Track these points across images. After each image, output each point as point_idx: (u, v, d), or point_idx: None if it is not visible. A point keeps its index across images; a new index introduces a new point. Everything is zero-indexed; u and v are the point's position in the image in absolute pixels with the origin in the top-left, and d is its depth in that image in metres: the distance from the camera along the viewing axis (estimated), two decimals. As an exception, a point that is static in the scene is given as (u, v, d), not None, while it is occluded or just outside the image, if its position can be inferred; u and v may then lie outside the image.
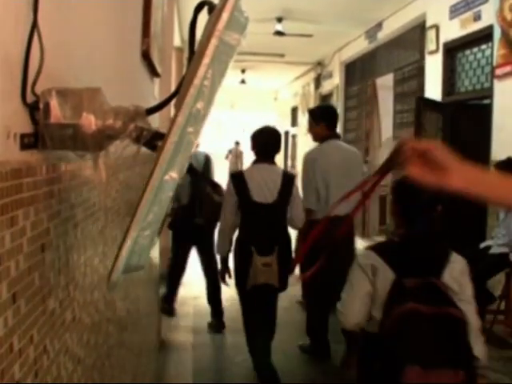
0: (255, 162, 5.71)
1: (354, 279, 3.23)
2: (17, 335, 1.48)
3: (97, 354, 2.52)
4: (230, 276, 5.85)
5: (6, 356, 1.40)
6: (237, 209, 5.53)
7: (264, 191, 5.49)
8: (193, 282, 9.32)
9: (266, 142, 5.69)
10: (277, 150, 5.78)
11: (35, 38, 1.55)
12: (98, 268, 2.54)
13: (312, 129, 6.67)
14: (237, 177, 5.56)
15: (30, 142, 1.58)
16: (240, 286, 5.55)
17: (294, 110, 23.86)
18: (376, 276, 3.13)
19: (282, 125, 26.32)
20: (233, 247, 5.68)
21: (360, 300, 3.16)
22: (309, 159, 6.51)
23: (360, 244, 13.34)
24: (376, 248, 3.30)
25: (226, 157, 28.54)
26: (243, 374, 6.05)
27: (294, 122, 23.92)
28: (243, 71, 19.74)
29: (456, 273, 3.22)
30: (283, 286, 5.56)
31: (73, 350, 2.07)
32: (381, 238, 12.86)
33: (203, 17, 1.79)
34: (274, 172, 5.64)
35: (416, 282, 2.97)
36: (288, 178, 5.63)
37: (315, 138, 6.66)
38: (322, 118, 6.55)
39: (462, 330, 2.92)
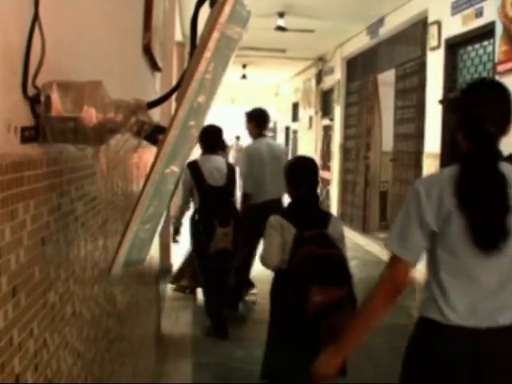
0: (203, 154, 7.10)
1: (269, 235, 4.42)
2: (17, 328, 1.48)
3: (97, 348, 2.52)
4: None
5: (5, 349, 1.40)
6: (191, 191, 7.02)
7: (215, 176, 6.97)
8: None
9: (212, 138, 7.11)
10: (220, 144, 7.68)
11: (36, 30, 1.54)
12: (99, 262, 2.54)
13: (247, 126, 7.99)
14: (192, 165, 6.79)
15: (30, 135, 1.57)
16: (202, 251, 6.96)
17: (295, 106, 23.83)
18: (283, 231, 4.32)
19: (283, 120, 26.32)
20: (191, 220, 7.22)
21: (275, 248, 4.34)
22: (248, 152, 7.90)
23: (359, 240, 13.37)
24: (280, 213, 4.53)
25: (228, 152, 28.57)
26: (243, 368, 6.05)
27: (295, 118, 23.90)
28: (244, 66, 19.71)
29: (336, 227, 4.48)
30: (235, 250, 7.10)
31: (73, 344, 2.07)
32: (383, 235, 12.87)
33: (205, 11, 1.79)
34: (219, 161, 7.16)
35: (311, 232, 4.23)
36: (230, 167, 7.28)
37: (250, 134, 8.02)
38: (252, 118, 7.92)
39: (344, 263, 4.25)
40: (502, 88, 2.77)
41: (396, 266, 2.78)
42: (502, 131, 2.70)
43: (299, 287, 4.06)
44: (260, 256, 4.64)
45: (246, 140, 10.54)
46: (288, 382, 4.34)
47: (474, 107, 2.72)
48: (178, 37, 10.89)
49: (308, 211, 4.47)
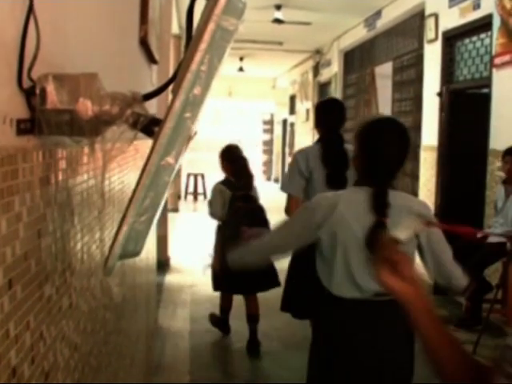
0: None
1: (214, 198, 6.61)
2: (13, 321, 1.48)
3: (94, 341, 2.52)
4: None
5: (2, 342, 1.40)
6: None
7: None
8: (189, 270, 9.34)
9: None
10: None
11: (31, 22, 1.54)
12: (95, 254, 2.54)
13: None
14: None
15: (26, 127, 1.57)
16: None
17: (292, 98, 23.85)
18: (224, 195, 6.50)
19: (280, 113, 26.32)
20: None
21: (220, 205, 6.51)
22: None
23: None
24: (222, 183, 6.65)
25: None
26: (240, 361, 6.07)
27: (292, 110, 23.91)
28: (241, 59, 19.69)
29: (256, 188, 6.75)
30: None
31: (69, 337, 2.07)
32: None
33: (201, 2, 1.79)
34: None
35: (240, 193, 6.42)
36: None
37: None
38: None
39: (263, 213, 6.39)
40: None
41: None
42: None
43: (232, 231, 5.81)
44: (209, 212, 6.78)
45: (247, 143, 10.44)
46: None
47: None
48: (175, 29, 10.88)
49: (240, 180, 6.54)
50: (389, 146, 3.17)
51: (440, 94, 8.96)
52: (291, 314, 5.35)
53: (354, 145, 3.30)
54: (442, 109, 8.93)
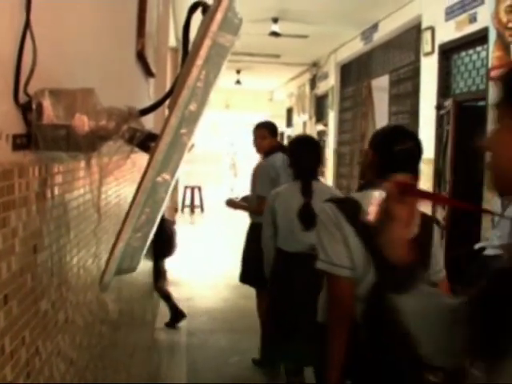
0: None
1: None
2: (8, 337, 1.47)
3: (90, 355, 2.51)
4: None
5: (-3, 358, 1.39)
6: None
7: None
8: (186, 283, 9.33)
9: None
10: None
11: (28, 37, 1.54)
12: (91, 269, 2.54)
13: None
14: None
15: (22, 142, 1.57)
16: None
17: (290, 111, 23.85)
18: None
19: (278, 125, 26.32)
20: None
21: None
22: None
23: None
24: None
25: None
26: (238, 374, 6.05)
27: (290, 123, 23.91)
28: (238, 72, 19.70)
29: None
30: None
31: (65, 352, 2.06)
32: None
33: (198, 17, 1.79)
34: None
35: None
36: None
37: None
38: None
39: None
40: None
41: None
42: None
43: None
44: None
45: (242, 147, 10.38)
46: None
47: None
48: (172, 42, 10.90)
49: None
50: (305, 155, 4.90)
51: (438, 107, 8.96)
52: (249, 285, 6.38)
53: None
54: (438, 121, 8.94)
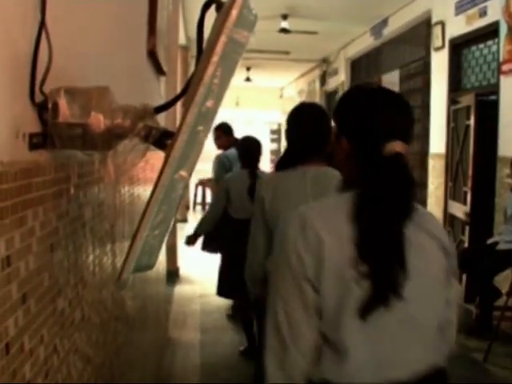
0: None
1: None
2: (27, 335, 1.48)
3: (106, 353, 2.52)
4: None
5: (17, 356, 1.40)
6: None
7: None
8: (199, 280, 9.33)
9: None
10: None
11: (43, 37, 1.54)
12: (107, 267, 2.54)
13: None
14: None
15: (38, 141, 1.57)
16: None
17: (300, 108, 23.84)
18: None
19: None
20: None
21: None
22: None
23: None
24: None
25: None
26: (250, 371, 6.04)
27: (300, 120, 23.90)
28: (248, 69, 19.68)
29: None
30: None
31: (82, 349, 2.07)
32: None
33: (210, 14, 1.79)
34: None
35: None
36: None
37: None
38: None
39: None
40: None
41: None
42: None
43: None
44: None
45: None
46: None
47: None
48: (182, 40, 10.90)
49: None
50: (252, 150, 6.43)
51: (452, 102, 8.92)
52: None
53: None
54: (453, 116, 8.91)
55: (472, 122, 7.98)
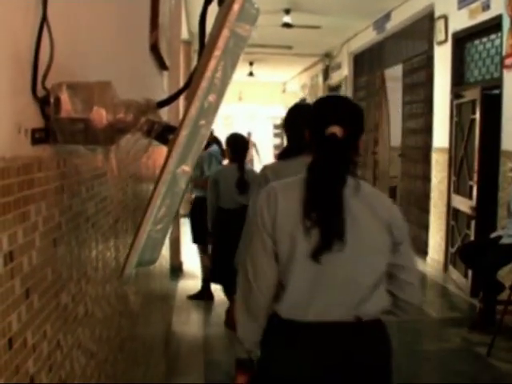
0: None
1: None
2: (30, 330, 1.48)
3: (109, 348, 2.52)
4: None
5: (20, 351, 1.40)
6: None
7: None
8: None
9: None
10: None
11: (45, 32, 1.54)
12: (110, 262, 2.54)
13: None
14: None
15: (41, 136, 1.57)
16: None
17: (303, 102, 23.85)
18: None
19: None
20: None
21: None
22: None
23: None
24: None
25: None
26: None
27: (303, 114, 23.87)
28: (251, 64, 19.66)
29: None
30: None
31: (86, 345, 2.07)
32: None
33: (212, 9, 1.79)
34: None
35: None
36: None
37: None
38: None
39: None
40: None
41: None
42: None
43: None
44: None
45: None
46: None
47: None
48: (185, 35, 10.89)
49: None
50: (240, 146, 7.03)
51: (456, 96, 8.91)
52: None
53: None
54: (456, 110, 8.89)
55: (477, 116, 7.96)
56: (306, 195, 2.51)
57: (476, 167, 7.98)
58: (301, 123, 3.43)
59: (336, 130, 2.58)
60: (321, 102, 2.84)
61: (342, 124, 2.60)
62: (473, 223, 8.06)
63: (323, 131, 2.58)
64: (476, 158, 7.98)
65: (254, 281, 2.60)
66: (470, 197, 8.20)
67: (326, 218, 2.47)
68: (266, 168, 4.04)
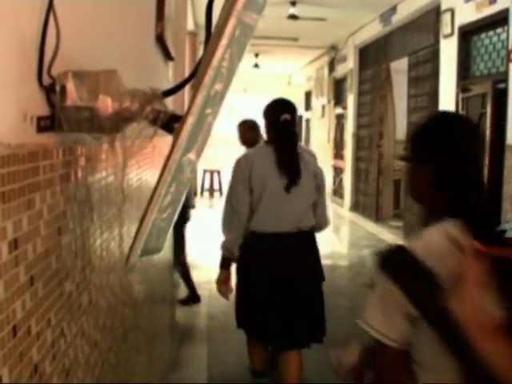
0: None
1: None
2: (34, 318, 1.48)
3: (113, 337, 2.52)
4: None
5: (24, 339, 1.40)
6: None
7: None
8: (206, 266, 9.34)
9: None
10: None
11: (51, 20, 1.54)
12: (114, 251, 2.55)
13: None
14: None
15: (46, 124, 1.57)
16: None
17: (308, 95, 23.80)
18: None
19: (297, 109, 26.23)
20: None
21: None
22: None
23: (373, 228, 13.35)
24: None
25: None
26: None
27: (308, 107, 23.88)
28: (256, 55, 19.67)
29: None
30: None
31: (89, 334, 2.07)
32: (396, 223, 12.85)
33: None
34: None
35: None
36: None
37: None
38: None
39: None
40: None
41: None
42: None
43: None
44: None
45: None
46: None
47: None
48: (190, 26, 10.88)
49: None
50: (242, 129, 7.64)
51: (464, 90, 8.89)
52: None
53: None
54: (463, 104, 8.88)
55: (488, 109, 7.94)
56: (276, 156, 4.52)
57: (487, 161, 7.96)
58: (277, 119, 4.66)
59: (287, 116, 4.61)
60: (276, 101, 4.86)
61: (290, 114, 4.67)
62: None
63: (279, 118, 4.59)
64: (488, 152, 7.95)
65: (236, 206, 4.58)
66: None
67: (291, 168, 4.52)
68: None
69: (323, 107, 20.07)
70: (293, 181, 4.46)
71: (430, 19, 10.59)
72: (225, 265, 4.84)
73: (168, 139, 1.76)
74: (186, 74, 7.97)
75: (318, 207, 4.70)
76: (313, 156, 4.86)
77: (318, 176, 4.67)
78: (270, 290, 4.58)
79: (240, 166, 4.57)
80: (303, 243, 4.64)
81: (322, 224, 4.82)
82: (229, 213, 4.62)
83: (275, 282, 4.55)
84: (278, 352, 4.92)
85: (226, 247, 4.71)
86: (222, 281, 4.91)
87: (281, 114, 4.58)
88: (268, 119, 4.74)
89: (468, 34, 9.03)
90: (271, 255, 4.55)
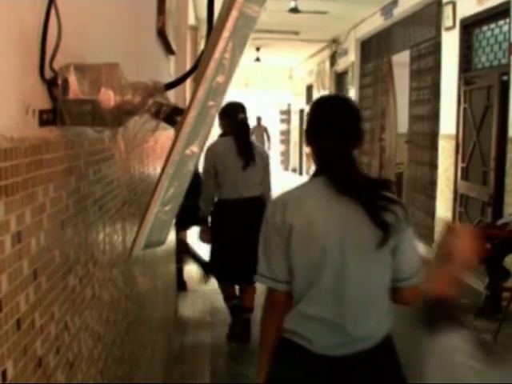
0: None
1: None
2: (38, 312, 1.48)
3: (116, 331, 2.53)
4: None
5: (28, 332, 1.40)
6: None
7: None
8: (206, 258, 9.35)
9: None
10: None
11: (53, 14, 1.54)
12: (117, 245, 2.55)
13: None
14: None
15: (48, 118, 1.57)
16: None
17: (309, 88, 23.75)
18: None
19: (297, 103, 26.24)
20: None
21: None
22: None
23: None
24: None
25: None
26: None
27: (309, 100, 23.83)
28: (258, 49, 19.62)
29: None
30: None
31: (93, 327, 2.07)
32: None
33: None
34: None
35: None
36: None
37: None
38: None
39: None
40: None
41: None
42: None
43: None
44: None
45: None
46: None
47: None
48: (192, 21, 10.86)
49: None
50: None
51: (466, 83, 8.88)
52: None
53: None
54: (459, 96, 8.88)
55: (495, 102, 7.93)
56: (236, 145, 5.85)
57: (493, 154, 7.95)
58: (235, 118, 5.95)
59: (243, 116, 5.85)
60: (233, 104, 5.90)
61: (244, 113, 5.88)
62: (489, 210, 8.04)
63: (236, 116, 5.81)
64: (493, 145, 7.94)
65: (205, 184, 6.01)
66: (483, 183, 8.17)
67: (247, 153, 5.84)
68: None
69: (325, 101, 20.02)
70: (248, 162, 5.95)
71: (432, 12, 10.56)
72: (202, 221, 6.36)
73: (170, 133, 1.76)
74: (188, 68, 7.95)
75: (264, 181, 6.23)
76: (261, 146, 7.17)
77: (264, 159, 6.22)
78: (233, 241, 6.10)
79: (208, 154, 6.00)
80: (255, 206, 5.89)
81: (266, 191, 6.30)
82: (203, 188, 6.17)
83: (236, 235, 6.03)
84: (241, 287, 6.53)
85: (201, 210, 6.26)
86: (203, 231, 6.40)
87: (238, 113, 5.98)
88: (228, 117, 5.96)
89: (470, 27, 9.01)
90: (233, 215, 6.10)
